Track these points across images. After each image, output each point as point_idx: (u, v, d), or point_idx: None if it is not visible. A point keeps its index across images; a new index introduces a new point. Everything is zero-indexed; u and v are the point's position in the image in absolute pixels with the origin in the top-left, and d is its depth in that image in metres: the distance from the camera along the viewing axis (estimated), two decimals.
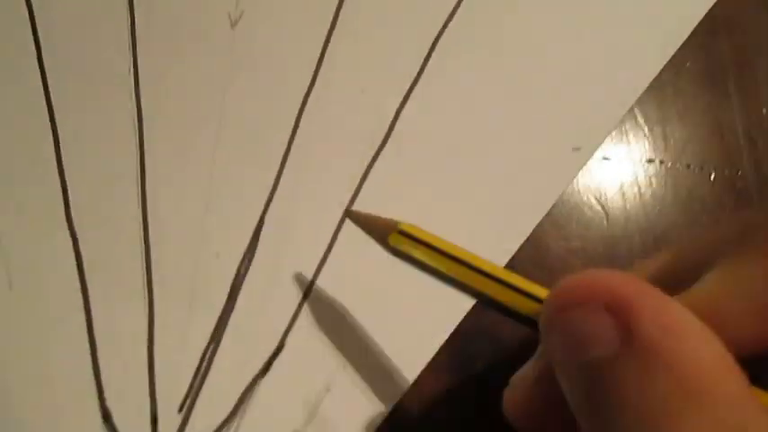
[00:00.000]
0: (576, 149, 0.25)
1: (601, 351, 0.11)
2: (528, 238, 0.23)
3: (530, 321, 0.15)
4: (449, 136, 0.25)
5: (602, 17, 0.27)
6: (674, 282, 0.13)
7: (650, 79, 0.26)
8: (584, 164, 0.25)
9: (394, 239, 0.18)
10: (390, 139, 0.25)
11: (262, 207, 0.24)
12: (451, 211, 0.24)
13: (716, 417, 0.10)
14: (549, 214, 0.24)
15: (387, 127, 0.25)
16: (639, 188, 0.25)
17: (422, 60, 0.26)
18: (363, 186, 0.24)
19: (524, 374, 0.16)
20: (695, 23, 0.27)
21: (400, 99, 0.25)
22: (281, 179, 0.24)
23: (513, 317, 0.16)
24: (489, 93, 0.25)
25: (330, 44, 0.26)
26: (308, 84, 0.25)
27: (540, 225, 0.24)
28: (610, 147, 0.25)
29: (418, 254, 0.17)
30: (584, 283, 0.12)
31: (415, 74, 0.25)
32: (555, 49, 0.26)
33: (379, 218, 0.19)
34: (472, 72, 0.26)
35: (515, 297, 0.16)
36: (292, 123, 0.25)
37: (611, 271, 0.12)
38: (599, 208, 0.24)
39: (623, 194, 0.25)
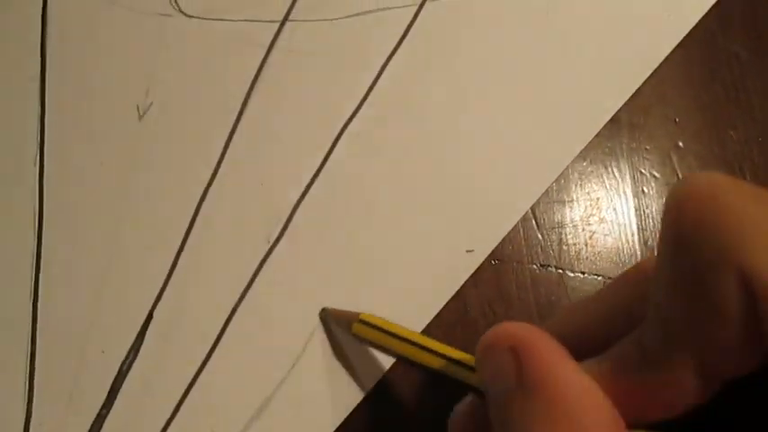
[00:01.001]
0: (470, 251, 0.25)
1: (504, 383, 0.15)
2: None
3: (472, 388, 0.18)
4: (346, 229, 0.25)
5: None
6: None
7: (545, 187, 0.26)
8: (477, 266, 0.25)
9: (356, 328, 0.22)
10: (287, 232, 0.25)
11: (151, 302, 0.24)
12: (347, 304, 0.24)
13: None
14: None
15: (284, 219, 0.25)
16: (532, 293, 0.25)
17: (323, 154, 0.26)
18: (256, 281, 0.24)
19: (463, 406, 0.19)
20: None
21: (300, 192, 0.25)
22: (174, 273, 0.24)
23: (456, 384, 0.19)
24: (386, 190, 0.26)
25: (232, 139, 0.26)
26: (209, 176, 0.26)
27: None
28: (501, 249, 0.25)
29: (377, 338, 0.21)
30: (498, 330, 0.16)
31: (316, 167, 0.26)
32: (451, 156, 0.26)
33: (344, 311, 0.23)
34: (370, 169, 0.26)
35: (457, 369, 0.19)
36: (191, 214, 0.25)
37: (521, 323, 0.16)
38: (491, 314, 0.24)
39: (517, 299, 0.25)
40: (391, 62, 0.27)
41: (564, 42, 0.28)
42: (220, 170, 0.26)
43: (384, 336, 0.21)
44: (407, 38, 0.27)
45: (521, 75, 0.27)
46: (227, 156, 0.26)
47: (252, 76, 0.27)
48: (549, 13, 0.28)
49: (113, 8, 0.27)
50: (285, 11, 0.28)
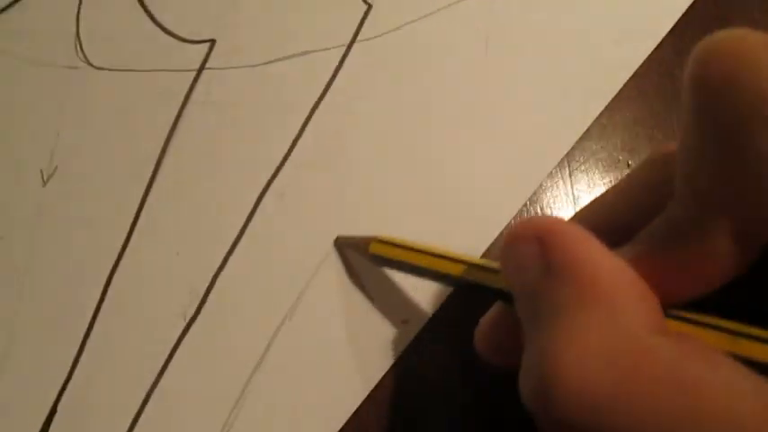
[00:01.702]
0: (405, 322, 0.23)
1: (531, 273, 0.15)
2: None
3: (495, 291, 0.17)
4: (265, 300, 0.23)
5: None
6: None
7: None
8: (413, 336, 0.23)
9: (374, 247, 0.21)
10: (205, 308, 0.23)
11: (55, 394, 0.22)
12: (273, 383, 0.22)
13: (598, 319, 0.13)
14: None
15: (202, 293, 0.23)
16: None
17: (245, 217, 0.24)
18: (171, 364, 0.22)
19: (489, 316, 0.19)
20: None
21: (218, 263, 0.23)
22: (80, 360, 0.22)
23: (481, 290, 0.18)
24: (314, 252, 0.24)
25: (146, 203, 0.24)
26: (120, 245, 0.23)
27: None
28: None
29: (396, 254, 0.20)
30: (523, 223, 0.15)
31: (237, 232, 0.24)
32: (381, 204, 0.24)
33: (359, 236, 0.23)
34: (298, 229, 0.24)
35: (482, 274, 0.18)
36: (100, 291, 0.23)
37: (545, 215, 0.16)
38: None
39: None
40: (318, 108, 0.25)
41: (504, 75, 0.26)
42: (132, 239, 0.23)
43: (403, 251, 0.20)
44: (335, 82, 0.25)
45: (456, 116, 0.25)
46: (139, 222, 0.24)
47: (166, 133, 0.25)
48: (488, 51, 0.26)
49: (12, 61, 0.25)
50: (201, 59, 0.25)
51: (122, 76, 0.25)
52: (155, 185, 0.24)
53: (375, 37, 0.26)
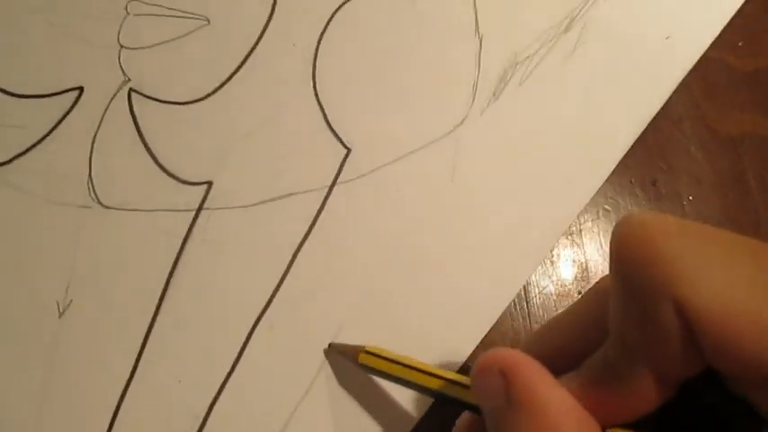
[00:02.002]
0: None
1: (495, 401, 0.18)
2: None
3: (467, 405, 0.21)
4: (259, 423, 0.26)
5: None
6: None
7: None
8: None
9: (362, 358, 0.25)
10: (205, 427, 0.26)
11: None
12: None
13: None
14: None
15: (202, 418, 0.26)
16: None
17: (239, 347, 0.27)
18: None
19: (463, 419, 0.23)
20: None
21: (216, 389, 0.27)
22: None
23: (456, 403, 0.21)
24: (293, 383, 0.27)
25: (151, 334, 0.27)
26: (128, 372, 0.27)
27: None
28: None
29: (382, 366, 0.24)
30: (489, 355, 0.19)
31: (230, 365, 0.27)
32: (366, 338, 0.28)
33: (350, 345, 0.26)
34: (288, 363, 0.27)
35: (457, 389, 0.21)
36: (110, 416, 0.26)
37: (509, 349, 0.19)
38: None
39: None
40: (303, 246, 0.28)
41: (472, 206, 0.29)
42: (139, 367, 0.27)
43: (389, 363, 0.24)
44: (318, 221, 0.29)
45: (430, 243, 0.29)
46: (145, 352, 0.27)
47: (169, 268, 0.28)
48: (454, 179, 0.30)
49: (31, 200, 0.28)
50: (200, 199, 0.29)
51: (130, 216, 0.28)
52: (158, 318, 0.27)
53: (354, 179, 0.29)
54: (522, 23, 0.32)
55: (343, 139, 0.30)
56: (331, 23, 0.31)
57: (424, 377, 0.22)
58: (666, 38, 0.32)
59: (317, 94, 0.30)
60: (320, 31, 0.31)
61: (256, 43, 0.31)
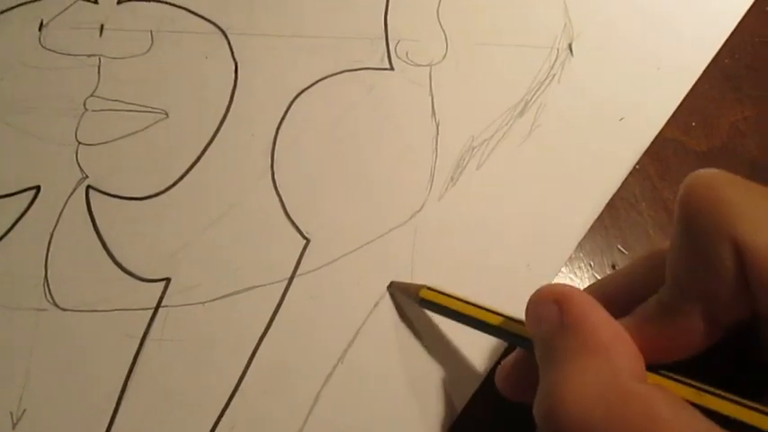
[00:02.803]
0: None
1: (549, 326, 0.20)
2: None
3: (520, 338, 0.23)
4: None
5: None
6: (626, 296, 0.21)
7: None
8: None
9: (423, 293, 0.26)
10: None
11: None
12: None
13: (595, 364, 0.18)
14: None
15: None
16: None
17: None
18: None
19: (509, 359, 0.24)
20: None
21: None
22: None
23: (510, 337, 0.23)
24: None
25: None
26: None
27: None
28: None
29: (442, 300, 0.26)
30: (545, 288, 0.21)
31: None
32: None
33: (411, 283, 0.28)
34: None
35: (510, 323, 0.23)
36: None
37: (562, 284, 0.21)
38: None
39: None
40: (263, 341, 0.28)
41: None
42: None
43: (448, 299, 0.25)
44: (278, 314, 0.28)
45: (400, 336, 0.29)
46: None
47: (127, 369, 0.27)
48: (413, 266, 0.29)
49: None
50: (158, 297, 0.28)
51: (87, 317, 0.28)
52: (116, 422, 0.27)
53: (314, 270, 0.29)
54: (479, 107, 0.32)
55: (302, 230, 0.30)
56: (289, 113, 0.32)
57: (481, 312, 0.24)
58: (621, 119, 0.32)
59: (275, 185, 0.30)
60: (278, 120, 0.32)
61: (215, 135, 0.31)
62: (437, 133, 0.32)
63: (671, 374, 0.19)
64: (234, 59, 0.33)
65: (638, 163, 0.31)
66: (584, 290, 0.23)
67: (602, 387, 0.18)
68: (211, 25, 0.34)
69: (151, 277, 0.29)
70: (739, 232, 0.18)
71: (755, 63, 0.34)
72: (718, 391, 0.18)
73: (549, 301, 0.20)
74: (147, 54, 0.33)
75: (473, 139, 0.32)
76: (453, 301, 0.25)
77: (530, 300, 0.21)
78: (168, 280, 0.29)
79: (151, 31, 0.34)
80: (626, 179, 0.31)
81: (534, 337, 0.21)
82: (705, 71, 0.33)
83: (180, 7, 0.34)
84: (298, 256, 0.29)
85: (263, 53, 0.33)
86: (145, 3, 0.34)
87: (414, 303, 0.27)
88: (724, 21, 0.34)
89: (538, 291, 0.21)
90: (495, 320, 0.24)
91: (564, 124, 0.32)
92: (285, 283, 0.29)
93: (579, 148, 0.32)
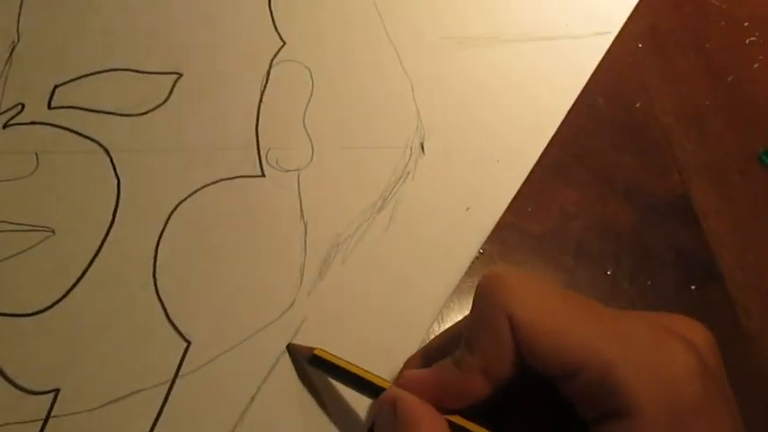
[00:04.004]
0: None
1: (385, 419, 0.26)
2: None
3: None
4: None
5: None
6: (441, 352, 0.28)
7: None
8: None
9: (317, 352, 0.31)
10: None
11: None
12: None
13: None
14: None
15: None
16: None
17: None
18: None
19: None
20: None
21: None
22: None
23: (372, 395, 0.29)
24: None
25: None
26: None
27: None
28: None
29: (332, 359, 0.30)
30: (387, 392, 0.27)
31: None
32: None
33: (302, 346, 0.32)
34: None
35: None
36: None
37: (397, 389, 0.27)
38: None
39: None
40: None
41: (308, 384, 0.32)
42: None
43: (337, 359, 0.30)
44: (162, 415, 0.31)
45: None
46: None
47: None
48: (287, 357, 0.33)
49: None
50: (47, 408, 0.31)
51: None
52: None
53: (195, 370, 0.32)
54: (342, 206, 0.36)
55: (183, 332, 0.33)
56: (169, 223, 0.35)
57: (363, 372, 0.29)
58: (467, 209, 0.37)
59: (158, 293, 0.33)
60: (159, 232, 0.35)
61: (99, 249, 0.34)
62: (305, 233, 0.35)
63: (464, 418, 0.26)
64: (116, 175, 0.36)
65: (482, 247, 0.36)
66: (413, 356, 0.32)
67: None
68: (95, 144, 0.37)
69: (40, 389, 0.31)
70: (511, 307, 0.25)
71: (579, 151, 0.40)
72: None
73: (389, 402, 0.27)
74: (32, 175, 0.36)
75: (338, 236, 0.35)
76: (341, 361, 0.30)
77: (377, 401, 0.27)
78: (57, 391, 0.31)
79: (36, 153, 0.36)
80: (472, 263, 0.35)
81: (377, 429, 0.27)
82: (538, 161, 0.39)
83: (64, 128, 0.37)
84: (179, 358, 0.32)
85: (144, 168, 0.36)
86: (30, 126, 0.37)
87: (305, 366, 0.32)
88: (552, 115, 0.40)
89: (382, 395, 0.28)
90: (373, 380, 0.29)
91: (418, 216, 0.36)
92: (168, 384, 0.32)
93: (431, 238, 0.36)
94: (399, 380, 0.28)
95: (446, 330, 0.31)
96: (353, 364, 0.30)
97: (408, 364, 0.31)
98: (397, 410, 0.26)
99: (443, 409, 0.26)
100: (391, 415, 0.26)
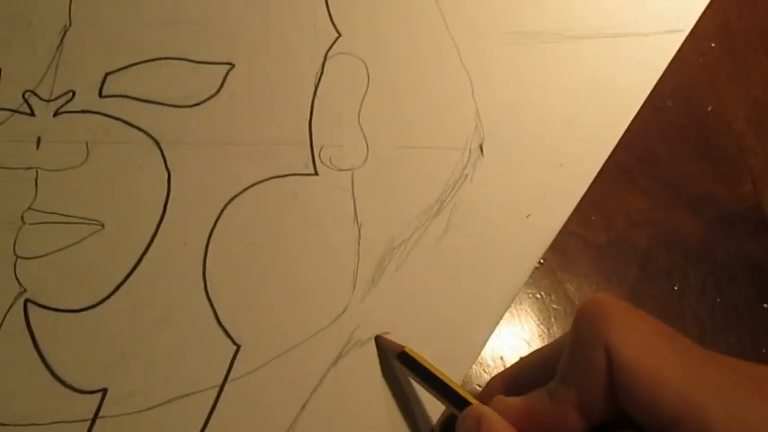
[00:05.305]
0: None
1: None
2: None
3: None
4: None
5: None
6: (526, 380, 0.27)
7: None
8: None
9: (407, 349, 0.30)
10: None
11: None
12: None
13: None
14: None
15: None
16: None
17: None
18: None
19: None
20: None
21: None
22: None
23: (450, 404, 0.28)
24: None
25: None
26: None
27: None
28: None
29: (420, 360, 0.29)
30: (472, 408, 0.26)
31: None
32: None
33: (394, 342, 0.31)
34: None
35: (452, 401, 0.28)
36: None
37: (484, 406, 0.26)
38: None
39: None
40: None
41: (357, 396, 0.31)
42: None
43: (425, 361, 0.29)
44: (210, 421, 0.30)
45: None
46: None
47: None
48: (337, 370, 0.32)
49: None
50: (95, 408, 0.30)
51: (25, 431, 0.29)
52: None
53: (244, 375, 0.31)
54: (398, 209, 0.35)
55: (233, 336, 0.32)
56: (219, 221, 0.34)
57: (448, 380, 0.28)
58: (527, 216, 0.35)
59: (207, 293, 0.32)
60: (209, 229, 0.34)
61: (149, 245, 0.33)
62: (359, 236, 0.34)
63: None
64: (167, 169, 0.35)
65: (542, 257, 0.34)
66: (496, 376, 0.29)
67: None
68: (145, 135, 0.36)
69: (88, 389, 0.30)
70: (611, 341, 0.23)
71: (646, 156, 0.38)
72: None
73: (473, 417, 0.25)
74: (82, 166, 0.35)
75: (393, 240, 0.34)
76: (429, 364, 0.29)
77: (461, 414, 0.26)
78: (105, 391, 0.30)
79: (87, 143, 0.35)
80: (532, 273, 0.34)
81: None
82: (602, 166, 0.37)
83: (115, 118, 0.36)
84: (229, 362, 0.31)
85: (195, 162, 0.35)
86: (81, 114, 0.36)
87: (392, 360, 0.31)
88: (618, 118, 0.38)
89: (468, 409, 0.26)
90: (458, 391, 0.28)
91: (475, 222, 0.35)
92: (217, 389, 0.31)
93: (490, 245, 0.34)
94: (483, 396, 0.27)
95: (533, 353, 0.29)
96: (440, 371, 0.29)
97: (494, 387, 0.29)
98: (482, 428, 0.25)
99: None
100: (475, 428, 0.25)
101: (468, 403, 0.27)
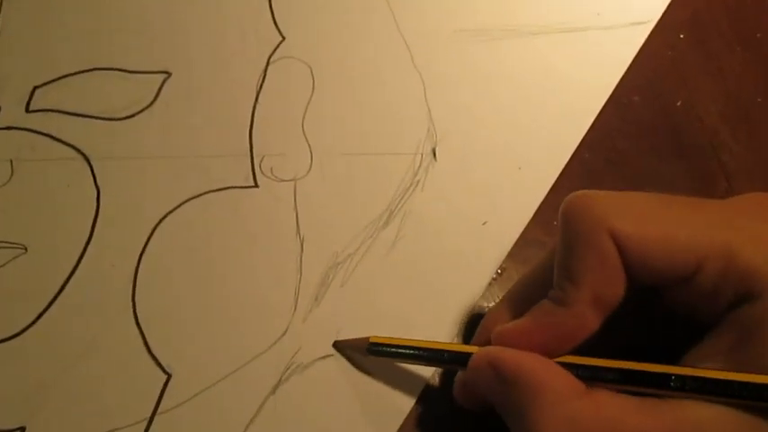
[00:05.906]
0: None
1: (492, 385, 0.23)
2: None
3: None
4: None
5: None
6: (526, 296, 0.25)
7: None
8: None
9: (373, 338, 0.28)
10: None
11: None
12: None
13: (546, 412, 0.22)
14: None
15: None
16: None
17: None
18: None
19: (460, 374, 0.27)
20: None
21: None
22: None
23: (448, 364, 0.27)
24: None
25: None
26: None
27: None
28: None
29: (392, 341, 0.27)
30: (478, 355, 0.24)
31: None
32: None
33: (356, 338, 0.29)
34: None
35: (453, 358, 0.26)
36: None
37: (492, 347, 0.24)
38: None
39: None
40: None
41: (298, 423, 0.29)
42: None
43: (398, 339, 0.27)
44: None
45: None
46: None
47: None
48: (276, 395, 0.29)
49: None
50: None
51: None
52: None
53: (175, 406, 0.29)
54: (343, 221, 0.32)
55: (163, 364, 0.29)
56: (150, 241, 0.31)
57: (430, 344, 0.27)
58: (484, 223, 0.33)
59: (136, 318, 0.30)
60: (140, 249, 0.31)
61: (74, 268, 0.31)
62: (302, 251, 0.32)
63: (575, 358, 0.23)
64: (96, 186, 0.33)
65: (500, 266, 0.32)
66: (490, 310, 0.28)
67: (558, 417, 0.21)
68: (74, 151, 0.33)
69: (5, 427, 0.28)
70: (613, 223, 0.22)
71: (613, 156, 0.35)
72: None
73: (483, 366, 0.24)
74: (6, 185, 0.33)
75: (337, 254, 0.32)
76: (403, 340, 0.27)
77: (469, 366, 0.24)
78: (23, 429, 0.28)
79: (11, 161, 0.33)
80: (489, 284, 0.31)
81: (487, 397, 0.24)
82: (565, 167, 0.34)
83: (42, 134, 0.34)
84: (159, 392, 0.29)
85: (126, 178, 0.33)
86: (5, 131, 0.34)
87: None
88: (580, 116, 0.36)
89: (472, 359, 0.24)
90: (448, 347, 0.27)
91: (428, 232, 0.32)
92: (145, 423, 0.28)
93: (443, 256, 0.32)
94: (482, 336, 0.26)
95: (525, 276, 0.28)
96: (419, 340, 0.27)
97: (492, 320, 0.26)
98: (500, 370, 0.23)
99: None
100: (493, 380, 0.23)
101: (468, 355, 0.25)
